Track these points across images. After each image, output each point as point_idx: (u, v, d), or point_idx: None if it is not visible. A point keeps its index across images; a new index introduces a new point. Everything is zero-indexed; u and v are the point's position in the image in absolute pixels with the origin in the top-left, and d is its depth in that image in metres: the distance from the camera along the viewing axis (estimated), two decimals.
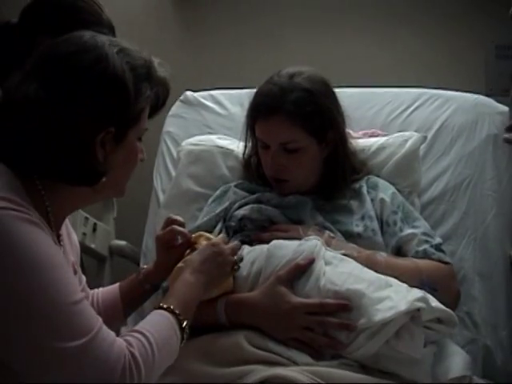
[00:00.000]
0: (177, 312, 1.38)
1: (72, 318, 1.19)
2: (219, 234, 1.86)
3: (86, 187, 1.34)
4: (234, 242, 1.67)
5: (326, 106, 1.86)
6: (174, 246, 1.65)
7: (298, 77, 1.86)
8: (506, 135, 1.89)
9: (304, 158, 1.88)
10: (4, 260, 1.16)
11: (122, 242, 2.56)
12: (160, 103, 1.47)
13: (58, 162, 1.29)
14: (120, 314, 1.67)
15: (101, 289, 1.70)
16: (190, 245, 1.63)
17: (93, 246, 2.42)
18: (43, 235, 1.23)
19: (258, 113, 1.88)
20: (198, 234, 1.67)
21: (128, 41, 1.41)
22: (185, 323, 1.39)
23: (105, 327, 1.24)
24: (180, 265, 1.54)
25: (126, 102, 1.33)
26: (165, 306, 1.39)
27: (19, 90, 1.30)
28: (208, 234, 1.68)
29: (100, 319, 1.24)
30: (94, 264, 2.45)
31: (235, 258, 1.61)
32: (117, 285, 1.71)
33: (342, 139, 1.92)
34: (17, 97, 1.30)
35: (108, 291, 1.68)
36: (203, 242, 1.61)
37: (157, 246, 1.68)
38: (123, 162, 1.38)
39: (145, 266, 1.72)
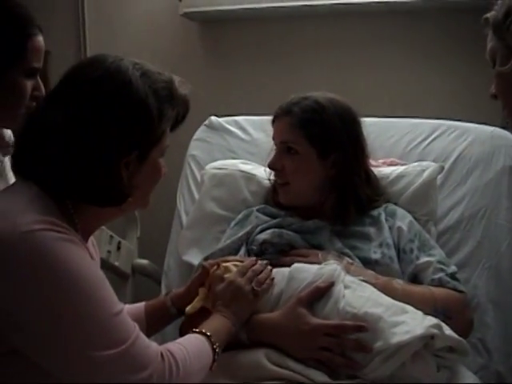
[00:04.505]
0: (208, 334, 1.47)
1: (114, 328, 1.27)
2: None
3: (112, 207, 1.40)
4: (253, 268, 1.71)
5: (331, 122, 1.93)
6: None
7: (318, 93, 1.98)
8: None
9: (301, 165, 1.94)
10: (50, 279, 1.23)
11: (145, 261, 2.61)
12: (179, 119, 1.50)
13: (86, 186, 1.34)
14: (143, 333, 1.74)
15: (126, 305, 1.73)
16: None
17: (117, 263, 2.48)
18: (82, 253, 1.30)
19: (274, 117, 2.01)
20: (226, 264, 1.73)
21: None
22: (216, 345, 1.47)
23: (141, 333, 1.33)
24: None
25: (150, 126, 1.37)
26: (197, 330, 1.49)
27: (45, 115, 1.35)
28: (236, 262, 1.75)
29: (136, 325, 1.33)
30: (116, 281, 2.49)
31: (253, 284, 1.66)
32: (142, 304, 1.75)
33: (347, 168, 1.95)
34: (43, 122, 1.34)
35: (133, 309, 1.72)
36: (234, 269, 1.70)
37: (201, 273, 1.75)
38: (147, 179, 1.43)
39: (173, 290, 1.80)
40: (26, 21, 1.62)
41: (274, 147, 2.02)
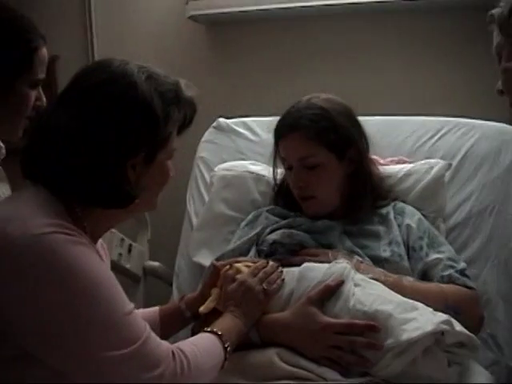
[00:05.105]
0: (219, 333, 1.49)
1: (125, 328, 1.29)
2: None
3: (120, 209, 1.41)
4: (264, 270, 1.72)
5: (341, 123, 1.94)
6: None
7: (315, 98, 1.98)
8: None
9: (325, 174, 1.95)
10: (62, 280, 1.25)
11: (156, 263, 2.62)
12: (187, 122, 1.51)
13: (92, 188, 1.36)
14: None
15: (140, 310, 1.74)
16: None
17: (128, 266, 2.49)
18: (93, 255, 1.32)
19: (279, 133, 1.99)
20: (238, 265, 1.75)
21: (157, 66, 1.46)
22: (227, 344, 1.49)
23: (152, 332, 1.34)
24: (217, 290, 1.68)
25: (156, 128, 1.38)
26: (209, 329, 1.51)
27: (52, 118, 1.37)
28: (247, 262, 1.77)
29: (147, 325, 1.34)
30: (128, 283, 2.51)
31: (263, 285, 1.67)
32: (156, 308, 1.77)
33: (362, 160, 1.99)
34: (50, 126, 1.36)
35: (148, 313, 1.73)
36: (245, 270, 1.72)
37: (212, 273, 1.76)
38: (154, 181, 1.45)
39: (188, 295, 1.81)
40: (31, 33, 1.64)
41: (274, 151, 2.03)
